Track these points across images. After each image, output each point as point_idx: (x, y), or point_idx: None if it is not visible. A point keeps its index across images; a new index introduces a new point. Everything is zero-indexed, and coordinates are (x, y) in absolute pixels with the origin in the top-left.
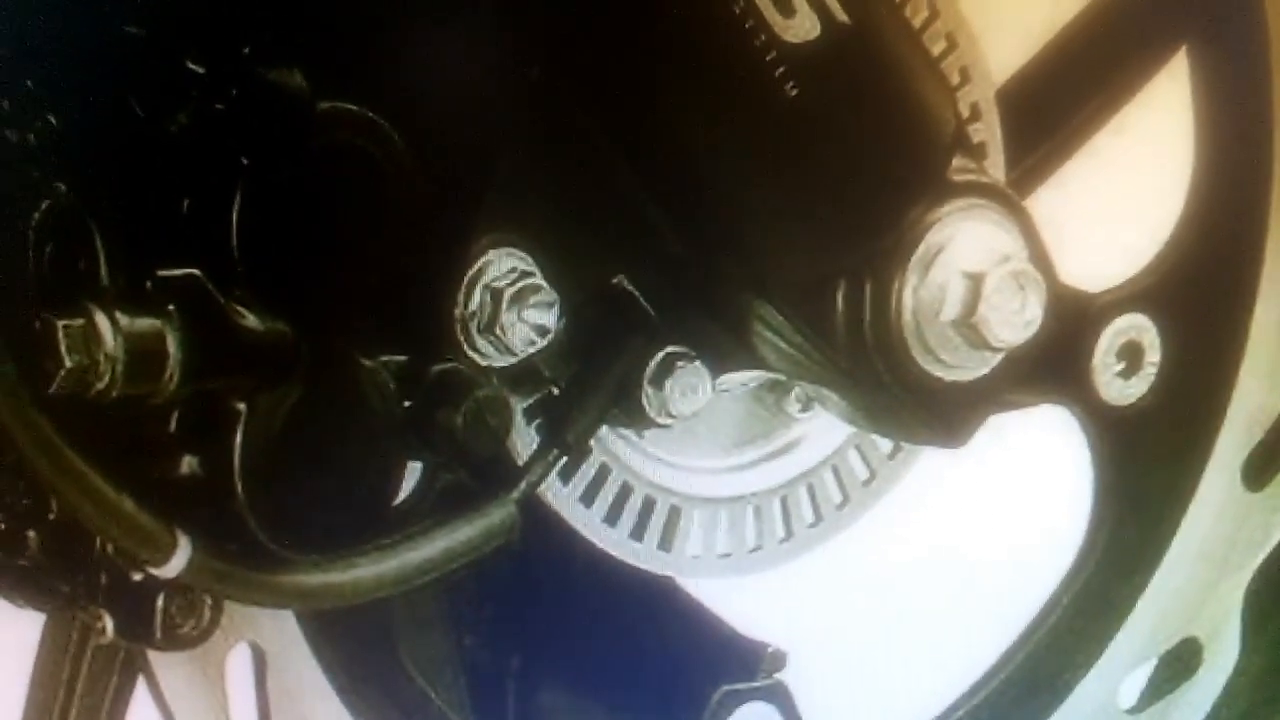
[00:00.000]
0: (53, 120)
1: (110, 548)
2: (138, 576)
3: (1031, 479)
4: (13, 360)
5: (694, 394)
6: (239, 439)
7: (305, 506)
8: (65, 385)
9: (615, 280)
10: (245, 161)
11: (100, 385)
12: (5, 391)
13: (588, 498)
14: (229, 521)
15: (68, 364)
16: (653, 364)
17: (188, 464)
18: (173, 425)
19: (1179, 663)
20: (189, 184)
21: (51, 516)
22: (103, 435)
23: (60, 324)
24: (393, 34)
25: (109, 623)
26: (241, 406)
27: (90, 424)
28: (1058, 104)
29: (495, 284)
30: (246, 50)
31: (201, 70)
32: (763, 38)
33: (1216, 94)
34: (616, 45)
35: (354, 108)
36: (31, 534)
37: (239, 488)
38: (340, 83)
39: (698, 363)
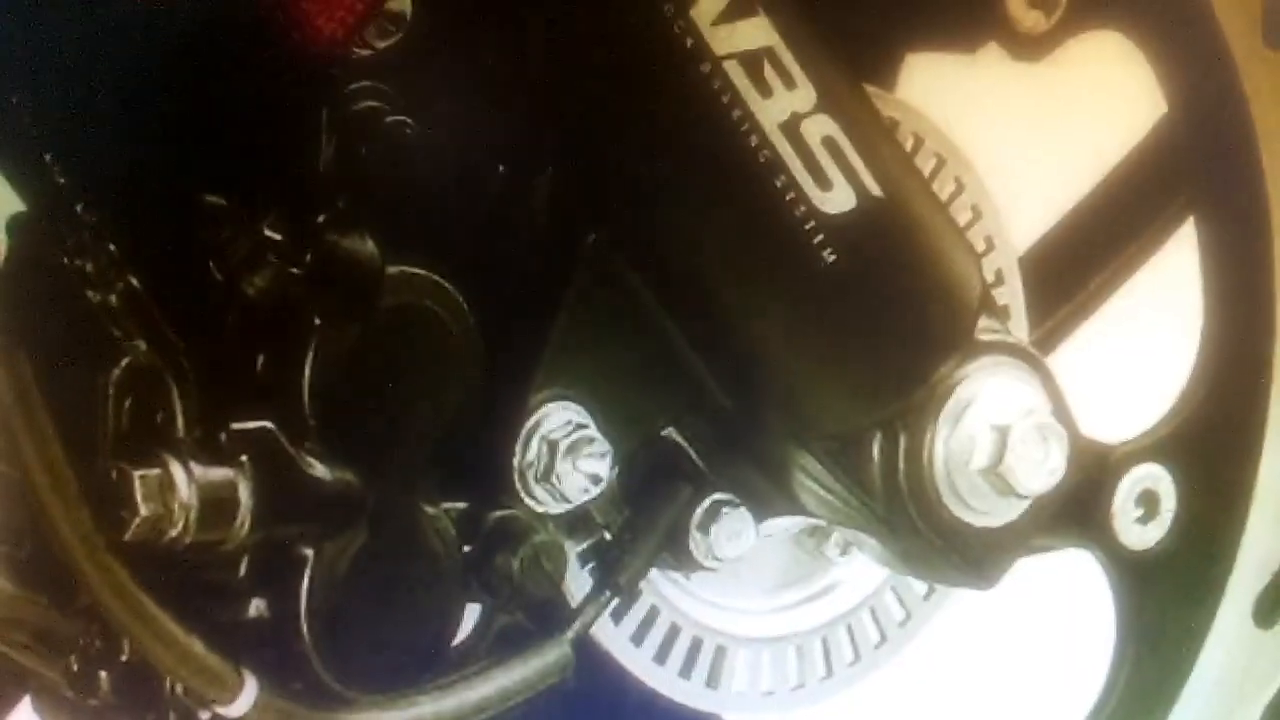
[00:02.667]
0: (134, 282)
1: (179, 688)
2: (206, 716)
3: (1057, 618)
4: (89, 507)
5: (739, 539)
6: (306, 583)
7: (368, 647)
8: (140, 532)
9: (665, 432)
10: (318, 321)
11: (174, 532)
12: (81, 537)
13: (638, 638)
14: (294, 662)
15: (143, 512)
16: (700, 510)
17: (256, 607)
18: (242, 570)
19: None
20: (263, 342)
21: (123, 658)
22: (175, 579)
23: (136, 474)
24: (457, 205)
25: None
26: (309, 552)
27: (163, 569)
28: (1076, 270)
29: (551, 435)
30: (321, 218)
31: (278, 237)
32: (802, 209)
33: (1222, 260)
34: (667, 215)
35: (421, 271)
36: (103, 675)
37: (305, 630)
38: (408, 248)
39: (742, 509)
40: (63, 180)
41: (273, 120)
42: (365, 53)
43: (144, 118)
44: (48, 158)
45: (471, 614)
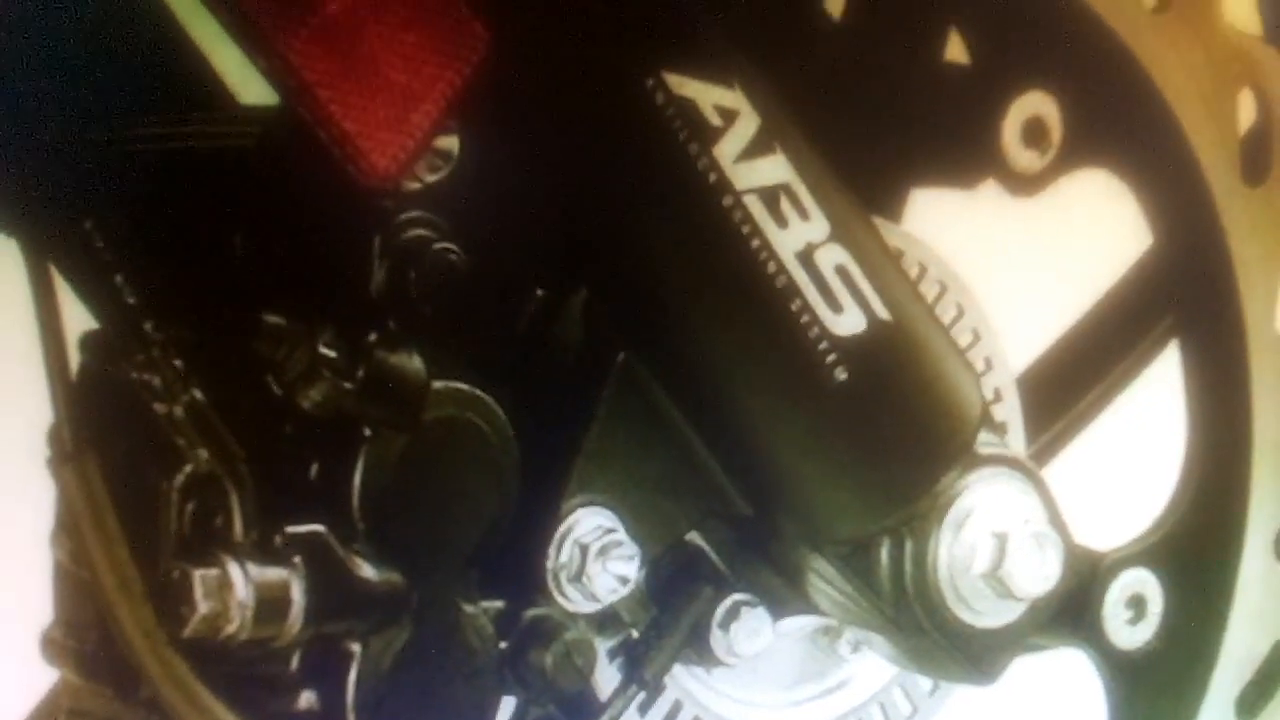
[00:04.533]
0: (197, 395)
1: None
2: None
3: (1053, 713)
4: (152, 604)
5: (757, 636)
6: (353, 677)
7: None
8: (199, 629)
9: (688, 536)
10: (367, 433)
11: (230, 629)
12: (144, 632)
13: None
14: None
15: (202, 610)
16: (721, 610)
17: (306, 699)
18: (294, 664)
19: None
20: (317, 451)
21: None
22: (230, 673)
23: (197, 573)
24: (498, 325)
25: None
26: (356, 647)
27: (219, 663)
28: (1069, 388)
29: (583, 539)
30: (372, 337)
31: (333, 354)
32: (816, 330)
33: (1204, 379)
34: (692, 335)
35: (464, 386)
36: None
37: None
38: (452, 365)
39: (761, 609)
40: (132, 301)
41: (329, 246)
42: (416, 185)
43: (209, 243)
44: (119, 279)
45: (507, 706)
